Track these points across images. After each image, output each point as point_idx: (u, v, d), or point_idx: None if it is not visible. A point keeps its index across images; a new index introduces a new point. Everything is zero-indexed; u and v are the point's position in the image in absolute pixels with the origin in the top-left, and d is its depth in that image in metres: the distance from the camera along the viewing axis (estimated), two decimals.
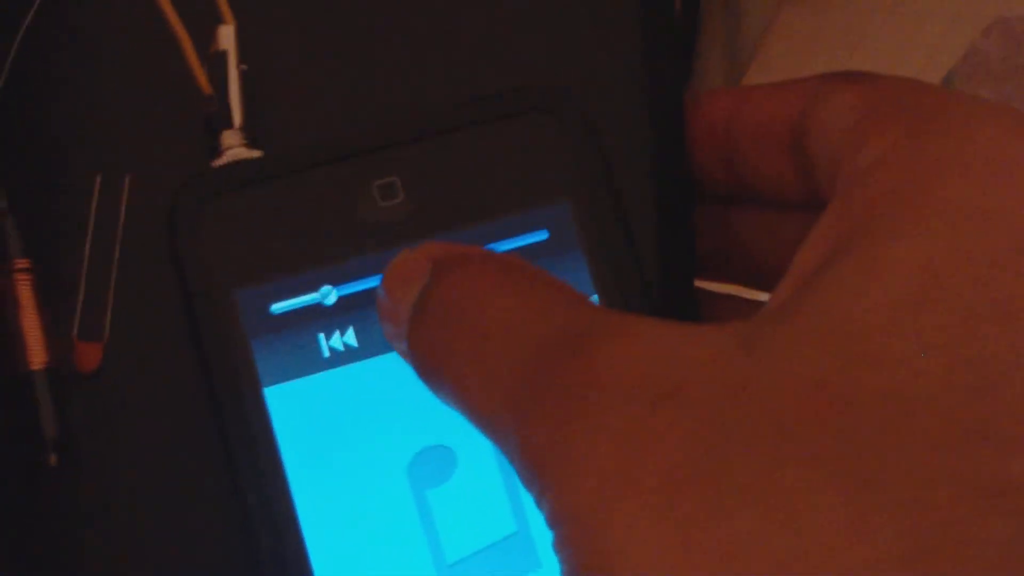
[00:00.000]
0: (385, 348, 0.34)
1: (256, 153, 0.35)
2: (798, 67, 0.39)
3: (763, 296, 0.35)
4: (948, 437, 0.23)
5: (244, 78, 0.36)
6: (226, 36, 0.36)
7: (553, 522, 0.25)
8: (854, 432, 0.24)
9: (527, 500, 0.33)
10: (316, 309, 0.34)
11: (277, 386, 0.33)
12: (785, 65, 0.39)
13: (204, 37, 0.36)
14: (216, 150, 0.35)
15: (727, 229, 0.37)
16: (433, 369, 0.29)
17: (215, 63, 0.35)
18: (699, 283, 0.37)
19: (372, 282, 0.34)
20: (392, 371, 0.34)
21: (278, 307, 0.34)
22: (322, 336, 0.34)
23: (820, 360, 0.24)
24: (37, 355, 0.34)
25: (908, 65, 0.39)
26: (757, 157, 0.34)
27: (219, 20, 0.36)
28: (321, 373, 0.34)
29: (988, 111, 0.27)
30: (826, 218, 0.27)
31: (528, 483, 0.26)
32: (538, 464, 0.25)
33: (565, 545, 0.25)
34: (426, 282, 0.29)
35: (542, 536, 0.32)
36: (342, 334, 0.34)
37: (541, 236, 0.35)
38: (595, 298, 0.34)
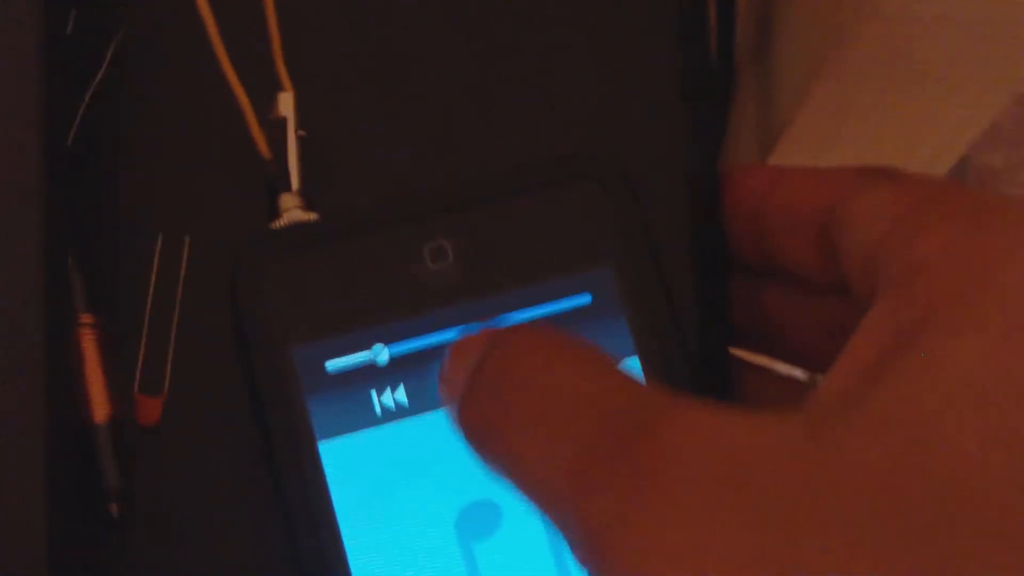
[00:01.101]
0: (435, 405, 0.35)
1: (312, 216, 0.37)
2: (829, 139, 0.41)
3: (793, 370, 0.36)
4: (1012, 533, 0.24)
5: (302, 143, 0.37)
6: (286, 103, 0.37)
7: None
8: (923, 528, 0.24)
9: (570, 558, 0.34)
10: (369, 367, 0.35)
11: (331, 441, 0.35)
12: (815, 136, 0.41)
13: (264, 103, 0.37)
14: (275, 212, 0.37)
15: (755, 303, 0.38)
16: (486, 437, 0.29)
17: (274, 128, 0.37)
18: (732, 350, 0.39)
19: (423, 342, 0.35)
20: (441, 428, 0.35)
21: (333, 365, 0.35)
22: (374, 393, 0.35)
23: (889, 455, 0.25)
24: (100, 408, 0.36)
25: (935, 137, 0.41)
26: (785, 240, 0.35)
27: (279, 87, 0.37)
28: (373, 428, 0.35)
29: None
30: (881, 309, 0.28)
31: (584, 556, 0.26)
32: (598, 537, 0.26)
33: None
34: (484, 353, 0.30)
35: None
36: (393, 391, 0.35)
37: (585, 300, 0.36)
38: (636, 360, 0.36)
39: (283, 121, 0.37)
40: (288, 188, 0.37)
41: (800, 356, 0.37)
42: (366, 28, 0.39)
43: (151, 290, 0.37)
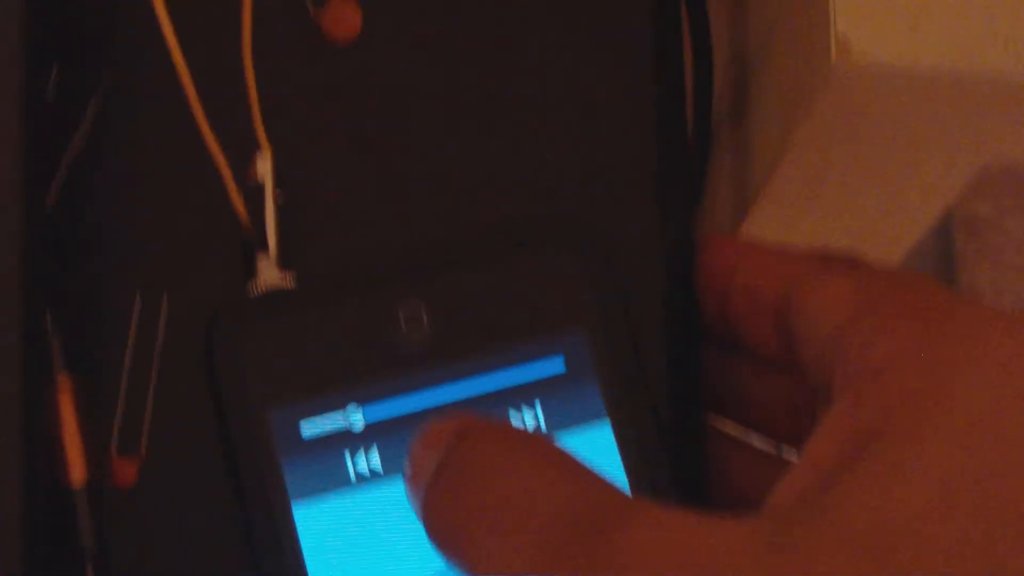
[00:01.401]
0: None
1: (289, 277, 0.37)
2: (805, 200, 0.41)
3: (764, 443, 0.37)
4: None
5: (279, 204, 0.37)
6: (264, 164, 0.37)
7: None
8: None
9: None
10: (344, 431, 0.35)
11: (305, 504, 0.35)
12: (792, 197, 0.41)
13: (243, 164, 0.37)
14: (251, 273, 0.37)
15: (722, 373, 0.38)
16: (447, 533, 0.29)
17: (251, 190, 0.37)
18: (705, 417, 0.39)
19: (398, 406, 0.36)
20: None
21: (308, 428, 0.35)
22: (348, 456, 0.35)
23: (851, 566, 0.25)
24: (77, 470, 0.36)
25: (906, 202, 0.41)
26: (746, 321, 0.36)
27: (257, 148, 0.38)
28: (347, 492, 0.35)
29: (994, 317, 0.29)
30: (839, 411, 0.28)
31: None
32: None
33: None
34: (446, 450, 0.30)
35: None
36: (368, 455, 0.35)
37: (557, 362, 0.36)
38: (607, 423, 0.36)
39: (261, 182, 0.37)
40: (265, 249, 0.37)
41: (762, 428, 0.38)
42: (344, 92, 0.39)
43: (129, 350, 0.37)
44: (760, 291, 0.35)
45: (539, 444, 0.30)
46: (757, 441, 0.38)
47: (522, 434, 0.30)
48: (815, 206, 0.42)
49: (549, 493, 0.28)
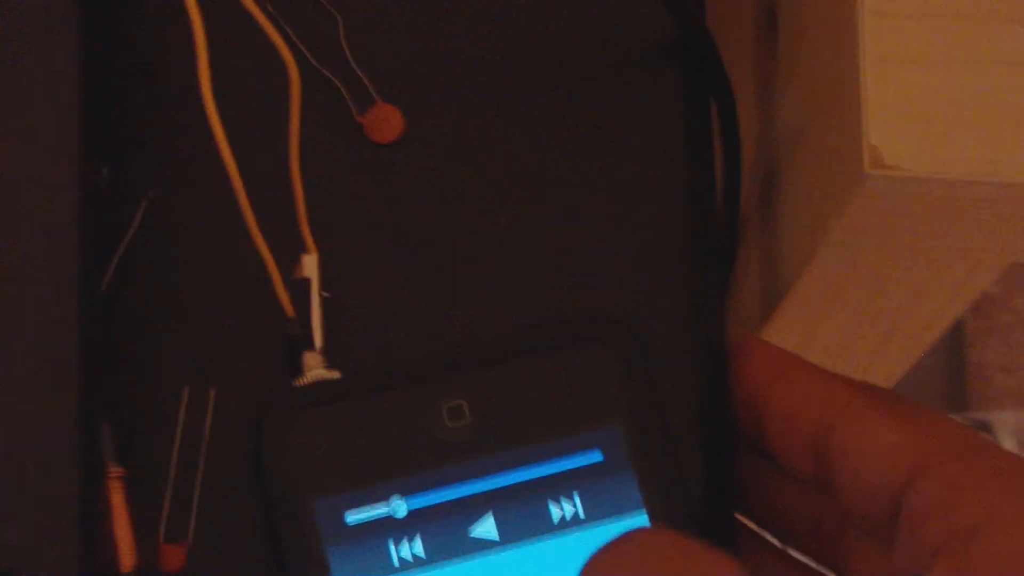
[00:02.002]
0: (450, 557, 0.36)
1: (335, 374, 0.38)
2: (830, 302, 0.42)
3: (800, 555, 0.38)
4: None
5: (325, 303, 0.39)
6: (310, 265, 0.39)
7: None
8: None
9: None
10: (387, 520, 0.36)
11: None
12: (817, 298, 0.42)
13: (288, 264, 0.39)
14: (298, 369, 0.38)
15: (751, 477, 0.39)
16: None
17: (298, 289, 0.39)
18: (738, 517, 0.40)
19: (440, 495, 0.37)
20: None
21: (352, 517, 0.36)
22: (392, 545, 0.36)
23: None
24: (127, 558, 0.37)
25: (930, 303, 0.42)
26: (780, 438, 0.37)
27: (303, 249, 0.39)
28: None
29: None
30: (942, 573, 0.29)
31: None
32: None
33: None
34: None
35: None
36: (411, 544, 0.36)
37: (596, 457, 0.37)
38: (644, 515, 0.37)
39: (307, 282, 0.38)
40: (311, 347, 0.38)
41: (785, 536, 0.39)
42: (386, 192, 0.41)
43: (177, 441, 0.38)
44: (797, 419, 0.36)
45: (696, 552, 0.30)
46: (795, 554, 0.39)
47: (677, 538, 0.31)
48: (840, 306, 0.43)
49: None
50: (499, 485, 0.37)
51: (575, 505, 0.37)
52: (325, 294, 0.39)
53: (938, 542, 0.30)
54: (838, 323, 0.44)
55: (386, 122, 0.41)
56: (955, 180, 0.34)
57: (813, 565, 0.39)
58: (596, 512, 0.37)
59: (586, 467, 0.37)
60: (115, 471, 0.37)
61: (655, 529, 0.32)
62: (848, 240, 0.38)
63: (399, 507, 0.37)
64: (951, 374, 1.36)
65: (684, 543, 0.31)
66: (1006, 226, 0.37)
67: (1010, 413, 1.30)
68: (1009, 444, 1.26)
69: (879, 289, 0.41)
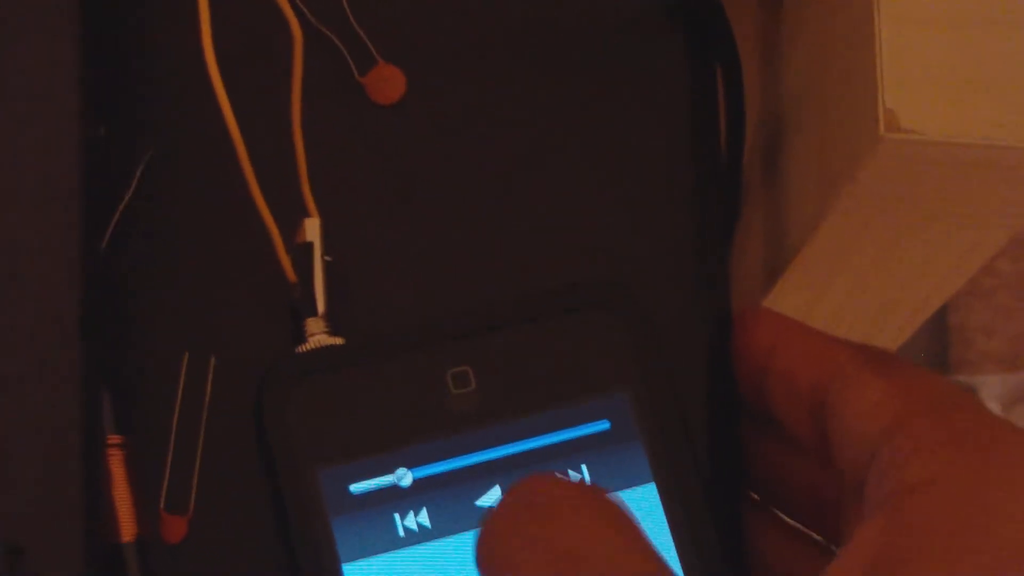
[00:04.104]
0: (457, 528, 0.36)
1: (338, 340, 0.37)
2: (833, 270, 0.42)
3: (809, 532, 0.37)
4: None
5: (327, 268, 0.38)
6: (312, 229, 0.38)
7: None
8: None
9: None
10: (393, 490, 0.36)
11: (355, 563, 0.35)
12: (821, 266, 0.42)
13: (290, 227, 0.38)
14: (300, 336, 0.37)
15: (754, 448, 0.39)
16: (494, 564, 0.30)
17: (300, 253, 0.38)
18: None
19: (446, 465, 0.36)
20: (464, 551, 0.36)
21: (357, 487, 0.36)
22: (397, 516, 0.36)
23: None
24: (127, 527, 0.36)
25: (937, 269, 0.42)
26: (782, 406, 0.36)
27: (305, 213, 0.38)
28: (396, 551, 0.36)
29: None
30: (871, 530, 0.29)
31: None
32: None
33: None
34: (514, 487, 0.31)
35: None
36: (416, 514, 0.36)
37: (603, 426, 0.37)
38: (652, 486, 0.36)
39: (309, 246, 0.38)
40: (314, 313, 0.37)
41: (787, 508, 0.38)
42: (389, 153, 0.40)
43: (177, 409, 0.38)
44: (797, 380, 0.35)
45: (603, 501, 0.30)
46: (802, 528, 0.39)
47: (590, 489, 0.31)
48: (848, 270, 0.42)
49: (606, 551, 0.29)
50: (505, 454, 0.36)
51: (582, 475, 0.36)
52: (328, 258, 0.38)
53: (886, 496, 0.29)
54: (844, 287, 0.44)
55: (388, 83, 0.40)
56: (971, 144, 0.34)
57: (816, 537, 0.38)
58: (604, 482, 0.36)
59: (593, 435, 0.37)
60: (114, 440, 0.37)
61: (547, 480, 0.31)
62: (859, 204, 0.37)
63: (404, 477, 0.36)
64: (933, 337, 1.37)
65: (575, 490, 0.30)
66: (1021, 191, 0.36)
67: (994, 376, 1.30)
68: (993, 407, 1.26)
69: (887, 254, 0.40)
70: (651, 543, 0.29)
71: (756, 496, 0.40)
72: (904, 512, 0.28)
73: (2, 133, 0.36)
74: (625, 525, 0.29)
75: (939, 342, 1.39)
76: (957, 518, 0.28)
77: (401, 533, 0.36)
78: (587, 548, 0.29)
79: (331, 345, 0.37)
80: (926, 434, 0.30)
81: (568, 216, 0.40)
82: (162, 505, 0.37)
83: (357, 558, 0.35)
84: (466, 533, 0.36)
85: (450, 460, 0.36)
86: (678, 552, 0.36)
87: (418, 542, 0.36)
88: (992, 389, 1.29)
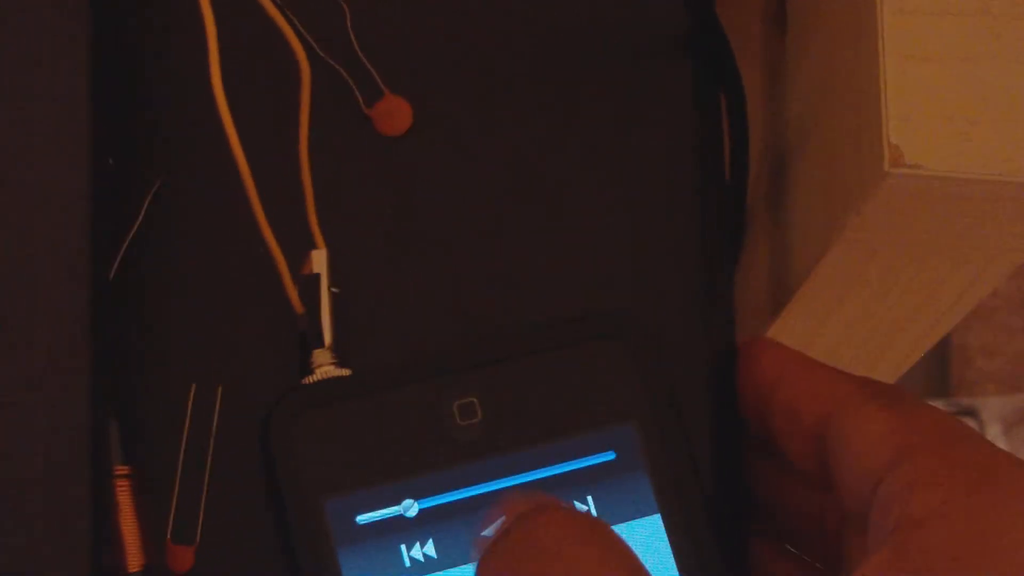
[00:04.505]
0: (463, 559, 0.36)
1: (345, 372, 0.38)
2: (838, 299, 0.42)
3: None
4: None
5: (334, 299, 0.38)
6: (319, 260, 0.38)
7: None
8: None
9: None
10: (399, 521, 0.36)
11: None
12: (828, 295, 0.42)
13: (297, 259, 0.38)
14: (307, 367, 0.38)
15: (757, 476, 0.39)
16: None
17: (307, 285, 0.38)
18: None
19: (452, 496, 0.36)
20: None
21: (363, 518, 0.36)
22: (403, 547, 0.36)
23: None
24: (134, 558, 0.36)
25: (941, 299, 0.42)
26: (785, 434, 0.36)
27: (312, 245, 0.38)
28: None
29: None
30: (878, 564, 0.29)
31: None
32: None
33: None
34: (515, 518, 0.31)
35: None
36: (422, 545, 0.36)
37: (608, 456, 0.37)
38: (658, 518, 0.37)
39: (316, 278, 0.38)
40: (321, 344, 0.38)
41: (789, 537, 0.39)
42: (395, 184, 0.40)
43: (184, 439, 0.38)
44: (800, 413, 0.36)
45: (604, 535, 0.30)
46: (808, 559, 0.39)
47: (588, 520, 0.31)
48: (851, 300, 0.42)
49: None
50: (511, 485, 0.36)
51: (588, 505, 0.36)
52: (335, 290, 0.38)
53: (892, 529, 0.30)
54: (848, 318, 0.44)
55: (395, 114, 0.41)
56: (975, 179, 0.34)
57: (818, 567, 0.39)
58: (609, 512, 0.36)
59: (599, 466, 0.37)
60: (122, 470, 0.37)
61: (544, 512, 0.31)
62: (864, 236, 0.37)
63: (410, 508, 0.36)
64: (934, 357, 1.37)
65: (572, 522, 0.31)
66: (1015, 224, 0.36)
67: (996, 398, 1.30)
68: (995, 429, 1.26)
69: (891, 285, 0.40)
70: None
71: (759, 524, 0.40)
72: (910, 545, 0.29)
73: (11, 164, 0.36)
74: (631, 564, 0.30)
75: (939, 362, 1.39)
76: (962, 550, 0.28)
77: (407, 564, 0.36)
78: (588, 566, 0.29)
79: (338, 376, 0.37)
80: (929, 467, 0.30)
81: (574, 246, 0.40)
82: (169, 535, 0.37)
83: None
84: (472, 565, 0.36)
85: (456, 491, 0.36)
86: None
87: (424, 573, 0.36)
88: (994, 410, 1.29)
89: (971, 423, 1.21)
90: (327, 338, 0.38)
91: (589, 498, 0.36)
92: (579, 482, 0.37)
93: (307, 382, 0.38)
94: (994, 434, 1.26)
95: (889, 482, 0.31)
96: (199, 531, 0.37)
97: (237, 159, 0.37)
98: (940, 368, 1.40)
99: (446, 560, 0.36)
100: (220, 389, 0.38)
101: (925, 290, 0.41)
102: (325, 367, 0.38)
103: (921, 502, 0.29)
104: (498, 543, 0.31)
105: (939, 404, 1.24)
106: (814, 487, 0.37)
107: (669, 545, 0.36)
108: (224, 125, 0.37)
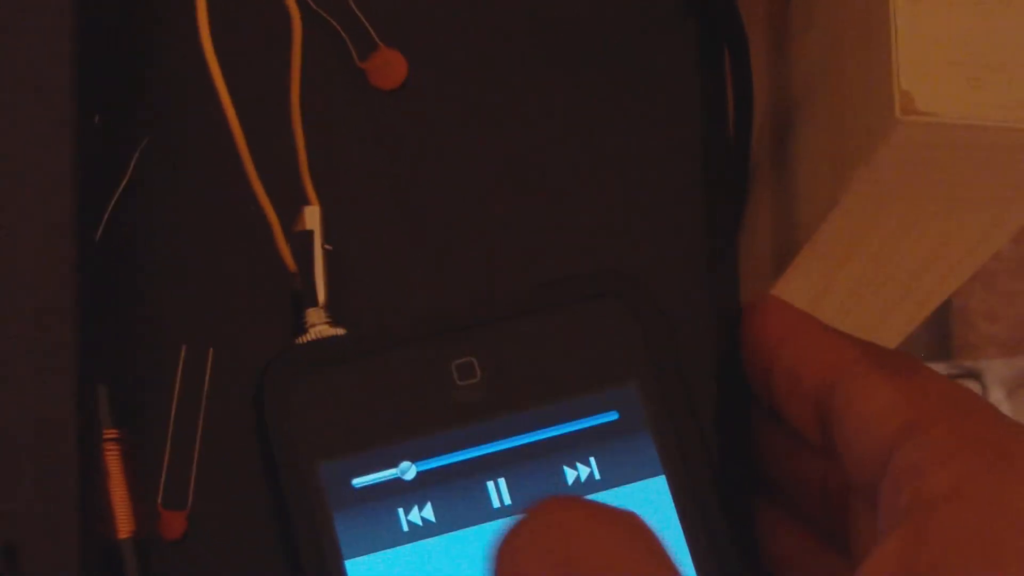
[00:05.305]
0: (462, 523, 0.35)
1: (339, 331, 0.37)
2: (847, 252, 0.41)
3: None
4: None
5: (328, 257, 0.37)
6: (312, 217, 0.37)
7: None
8: None
9: None
10: (396, 484, 0.35)
11: (358, 559, 0.35)
12: (835, 249, 0.41)
13: (289, 216, 0.37)
14: (300, 326, 0.37)
15: (761, 441, 0.38)
16: None
17: (300, 242, 0.37)
18: None
19: (450, 458, 0.36)
20: (468, 546, 0.35)
21: (359, 481, 0.35)
22: (401, 510, 0.35)
23: None
24: (124, 524, 0.36)
25: (950, 255, 0.41)
26: (786, 402, 0.36)
27: (304, 201, 0.37)
28: (400, 547, 0.35)
29: None
30: (893, 546, 0.28)
31: None
32: None
33: None
34: (539, 505, 0.29)
35: None
36: (420, 509, 0.35)
37: (611, 417, 0.36)
38: (662, 479, 0.36)
39: (309, 235, 0.37)
40: (314, 303, 0.37)
41: (791, 504, 0.38)
42: (390, 139, 0.39)
43: (175, 403, 0.37)
44: (802, 377, 0.35)
45: (630, 520, 0.29)
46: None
47: (614, 508, 0.30)
48: (858, 257, 0.42)
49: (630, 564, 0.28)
50: (511, 446, 0.36)
51: (590, 467, 0.36)
52: (328, 247, 0.37)
53: (906, 508, 0.29)
54: (856, 274, 0.43)
55: (389, 67, 0.40)
56: (989, 127, 0.33)
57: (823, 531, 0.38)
58: (612, 474, 0.36)
59: (602, 427, 0.36)
60: (111, 434, 0.36)
61: (569, 500, 0.30)
62: (873, 189, 0.36)
63: (408, 470, 0.35)
64: (935, 321, 1.36)
65: (598, 511, 0.29)
66: None
67: (999, 361, 1.30)
68: (998, 392, 1.26)
69: (900, 239, 0.39)
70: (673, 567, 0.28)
71: (763, 487, 0.39)
72: (927, 526, 0.28)
73: None
74: (658, 551, 0.28)
75: (940, 326, 1.39)
76: (982, 531, 0.27)
77: (405, 528, 0.35)
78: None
79: (332, 336, 0.37)
80: (942, 441, 0.30)
81: (574, 205, 0.39)
82: (160, 501, 0.36)
83: (360, 554, 0.35)
84: (471, 528, 0.35)
85: (455, 453, 0.35)
86: (688, 544, 0.35)
87: (422, 537, 0.35)
88: (997, 373, 1.29)
89: (974, 385, 1.20)
90: (321, 296, 0.37)
91: (592, 460, 0.36)
92: (581, 443, 0.36)
93: (301, 342, 0.37)
94: (998, 398, 1.25)
95: (900, 457, 0.30)
96: (191, 496, 0.37)
97: (227, 114, 0.36)
98: (942, 331, 1.39)
99: (444, 524, 0.35)
100: (212, 350, 0.37)
101: (935, 244, 0.40)
102: (319, 326, 0.37)
103: (936, 479, 0.29)
104: (519, 526, 0.29)
105: (942, 366, 1.24)
106: (816, 453, 0.36)
107: (674, 507, 0.35)
108: (214, 80, 0.36)
